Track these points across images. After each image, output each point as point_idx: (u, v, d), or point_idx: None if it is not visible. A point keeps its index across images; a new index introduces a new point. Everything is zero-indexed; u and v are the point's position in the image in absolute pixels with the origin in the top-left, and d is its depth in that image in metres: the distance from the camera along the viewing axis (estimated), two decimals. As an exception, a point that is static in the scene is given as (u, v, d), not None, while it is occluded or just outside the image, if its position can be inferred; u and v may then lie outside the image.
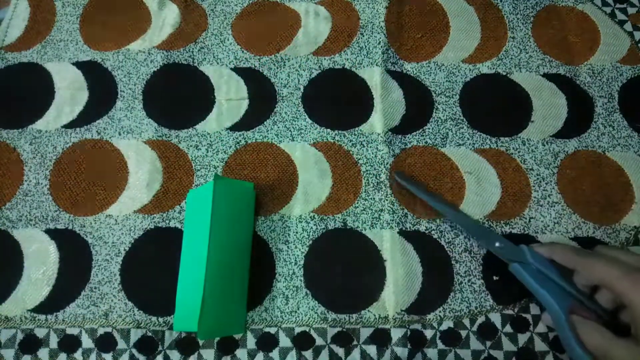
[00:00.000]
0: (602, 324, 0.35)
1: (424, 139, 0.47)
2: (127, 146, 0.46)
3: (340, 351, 0.40)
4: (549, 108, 0.49)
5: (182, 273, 0.40)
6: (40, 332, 0.40)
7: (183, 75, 0.49)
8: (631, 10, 0.54)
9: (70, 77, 0.49)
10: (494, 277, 0.42)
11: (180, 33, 0.51)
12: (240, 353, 0.40)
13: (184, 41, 0.51)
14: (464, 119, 0.48)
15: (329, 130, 0.47)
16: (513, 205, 0.45)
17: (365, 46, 0.51)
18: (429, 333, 0.40)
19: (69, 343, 0.40)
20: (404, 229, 0.43)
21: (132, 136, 0.47)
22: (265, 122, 0.47)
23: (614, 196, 0.45)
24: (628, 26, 0.53)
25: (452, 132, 0.47)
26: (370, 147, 0.46)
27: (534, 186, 0.45)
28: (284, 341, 0.40)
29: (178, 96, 0.49)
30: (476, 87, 0.50)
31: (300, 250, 0.43)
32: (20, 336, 0.40)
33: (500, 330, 0.41)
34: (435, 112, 0.48)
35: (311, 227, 0.43)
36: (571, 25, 0.53)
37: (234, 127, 0.47)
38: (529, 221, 0.44)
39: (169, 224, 0.43)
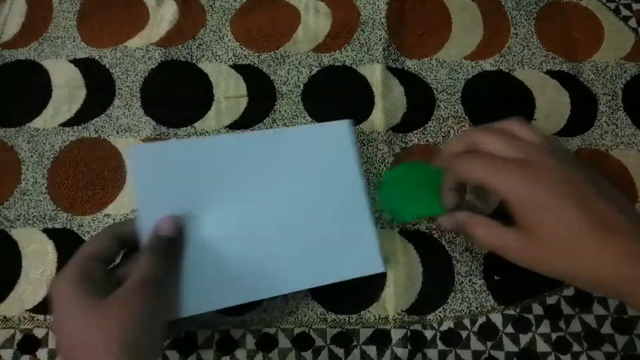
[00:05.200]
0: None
1: (426, 138, 0.47)
2: (125, 144, 0.46)
3: (340, 352, 0.40)
4: (552, 105, 0.48)
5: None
6: (39, 332, 0.40)
7: (181, 73, 0.49)
8: (636, 6, 0.53)
9: (68, 75, 0.48)
10: (495, 277, 0.42)
11: (179, 29, 0.51)
12: (240, 353, 0.39)
13: (182, 38, 0.50)
14: (466, 117, 0.47)
15: (329, 128, 0.47)
16: (515, 204, 0.44)
17: (366, 43, 0.50)
18: (429, 333, 0.40)
19: (68, 343, 0.39)
20: (404, 228, 0.43)
21: (130, 134, 0.46)
22: (264, 120, 0.47)
23: (617, 195, 0.45)
24: (632, 22, 0.52)
25: (454, 130, 0.47)
26: (371, 145, 0.46)
27: (536, 185, 0.45)
28: (284, 342, 0.40)
29: (176, 94, 0.48)
30: (478, 85, 0.49)
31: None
32: (18, 336, 0.40)
33: (501, 331, 0.40)
34: (437, 110, 0.48)
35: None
36: (575, 21, 0.52)
37: (233, 125, 0.47)
38: (531, 220, 0.44)
39: (167, 223, 0.43)
